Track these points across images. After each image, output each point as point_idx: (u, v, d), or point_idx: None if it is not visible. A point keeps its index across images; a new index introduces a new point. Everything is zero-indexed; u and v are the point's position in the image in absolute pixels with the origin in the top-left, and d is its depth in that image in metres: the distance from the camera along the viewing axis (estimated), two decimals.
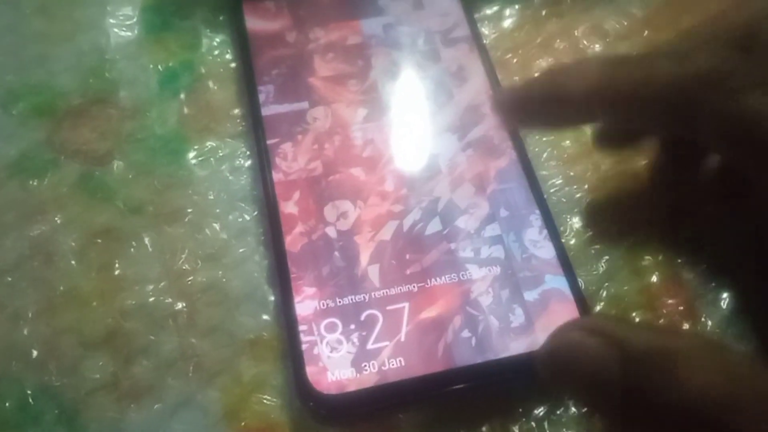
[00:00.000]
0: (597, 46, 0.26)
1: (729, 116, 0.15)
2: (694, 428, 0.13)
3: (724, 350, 0.14)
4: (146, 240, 0.22)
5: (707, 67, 0.16)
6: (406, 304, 0.19)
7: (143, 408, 0.19)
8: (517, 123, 0.21)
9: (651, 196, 0.21)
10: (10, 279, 0.21)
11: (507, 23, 0.26)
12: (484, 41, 0.24)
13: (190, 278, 0.21)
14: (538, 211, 0.20)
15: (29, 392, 0.19)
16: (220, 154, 0.23)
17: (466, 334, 0.18)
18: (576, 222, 0.22)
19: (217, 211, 0.22)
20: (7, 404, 0.19)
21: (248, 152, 0.23)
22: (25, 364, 0.20)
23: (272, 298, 0.21)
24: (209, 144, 0.23)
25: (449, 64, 0.23)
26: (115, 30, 0.26)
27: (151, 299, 0.20)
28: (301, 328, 0.18)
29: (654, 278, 0.21)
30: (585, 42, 0.26)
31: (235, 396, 0.19)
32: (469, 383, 0.18)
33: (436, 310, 0.19)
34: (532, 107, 0.19)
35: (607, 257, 0.21)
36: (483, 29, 0.25)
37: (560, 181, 0.23)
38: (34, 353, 0.20)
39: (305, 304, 0.19)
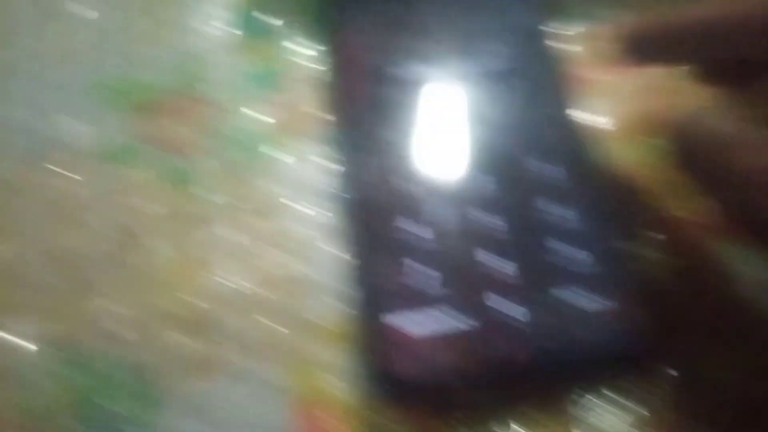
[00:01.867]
0: None
1: None
2: None
3: None
4: (232, 230, 0.22)
5: None
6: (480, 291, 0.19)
7: (220, 384, 0.20)
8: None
9: None
10: (104, 264, 0.22)
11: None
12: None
13: (272, 267, 0.22)
14: None
15: (116, 363, 0.20)
16: (304, 154, 0.24)
17: (544, 322, 0.18)
18: None
19: (301, 208, 0.23)
20: (95, 378, 0.20)
21: (333, 155, 0.24)
22: (110, 338, 0.21)
23: (348, 290, 0.21)
24: (297, 145, 0.24)
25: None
26: (214, 32, 0.27)
27: (235, 284, 0.21)
28: (378, 314, 0.19)
29: None
30: None
31: (305, 378, 0.20)
32: (543, 371, 0.18)
33: (514, 298, 0.19)
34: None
35: None
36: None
37: None
38: (121, 327, 0.21)
39: (381, 293, 0.19)
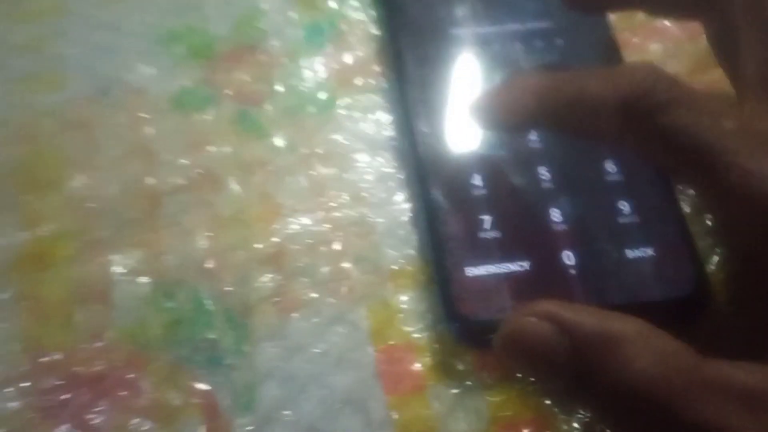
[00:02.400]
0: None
1: None
2: (635, 408, 0.15)
3: (664, 337, 0.16)
4: (300, 176, 0.24)
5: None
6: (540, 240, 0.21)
7: (302, 319, 0.22)
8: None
9: None
10: (181, 199, 0.24)
11: None
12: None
13: (339, 213, 0.24)
14: None
15: (205, 297, 0.22)
16: (364, 106, 0.26)
17: (596, 268, 0.21)
18: None
19: (362, 157, 0.25)
20: (185, 307, 0.22)
21: (388, 106, 0.26)
22: (200, 273, 0.22)
23: (415, 235, 0.23)
24: (353, 96, 0.26)
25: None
26: None
27: (309, 227, 0.23)
28: (450, 254, 0.21)
29: None
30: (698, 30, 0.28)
31: (381, 317, 0.22)
32: None
33: (570, 246, 0.21)
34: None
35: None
36: None
37: None
38: (208, 264, 0.22)
39: (454, 235, 0.21)
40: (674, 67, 0.26)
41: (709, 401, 0.15)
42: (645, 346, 0.15)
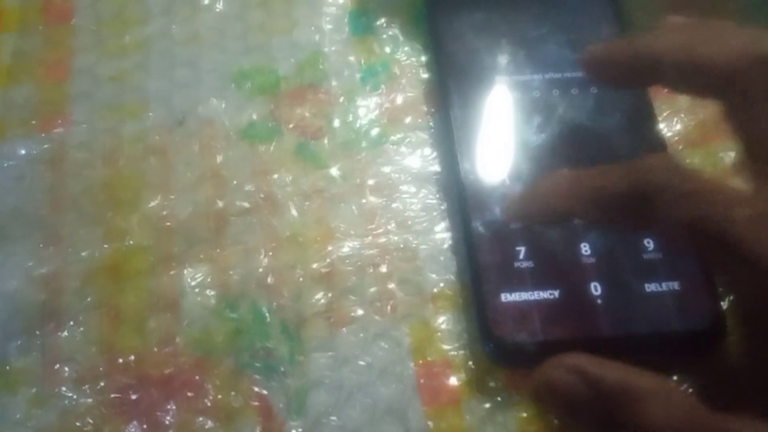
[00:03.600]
0: None
1: None
2: None
3: (683, 395, 0.17)
4: (353, 204, 0.27)
5: None
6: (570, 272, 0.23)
7: (350, 333, 0.24)
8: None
9: None
10: (246, 220, 0.26)
11: None
12: None
13: (386, 238, 0.26)
14: None
15: (264, 310, 0.25)
16: (412, 143, 0.28)
17: (620, 300, 0.23)
18: None
19: (409, 188, 0.27)
20: (246, 318, 0.25)
21: (433, 143, 0.28)
22: (261, 288, 0.25)
23: (455, 262, 0.25)
24: (403, 133, 0.28)
25: None
26: (327, 27, 0.31)
27: (358, 251, 0.26)
28: (486, 281, 0.23)
29: None
30: None
31: (421, 335, 0.24)
32: (645, 349, 0.22)
33: (610, 278, 0.23)
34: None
35: None
36: None
37: None
38: (268, 280, 0.25)
39: (491, 263, 0.23)
40: (702, 114, 0.28)
41: None
42: (664, 402, 0.16)
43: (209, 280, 0.25)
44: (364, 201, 0.27)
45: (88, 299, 0.25)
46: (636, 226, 0.21)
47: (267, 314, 0.24)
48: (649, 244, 0.24)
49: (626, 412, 0.16)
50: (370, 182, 0.27)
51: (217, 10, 0.31)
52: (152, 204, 0.27)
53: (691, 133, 0.28)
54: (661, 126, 0.28)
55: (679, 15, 0.23)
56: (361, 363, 0.24)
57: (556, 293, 0.23)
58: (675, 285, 0.23)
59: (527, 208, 0.22)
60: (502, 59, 0.29)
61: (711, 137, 0.28)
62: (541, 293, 0.23)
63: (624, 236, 0.24)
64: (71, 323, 0.24)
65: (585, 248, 0.24)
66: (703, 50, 0.20)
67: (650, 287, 0.23)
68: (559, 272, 0.24)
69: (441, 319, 0.24)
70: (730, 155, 0.27)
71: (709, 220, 0.18)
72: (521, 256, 0.24)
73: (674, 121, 0.28)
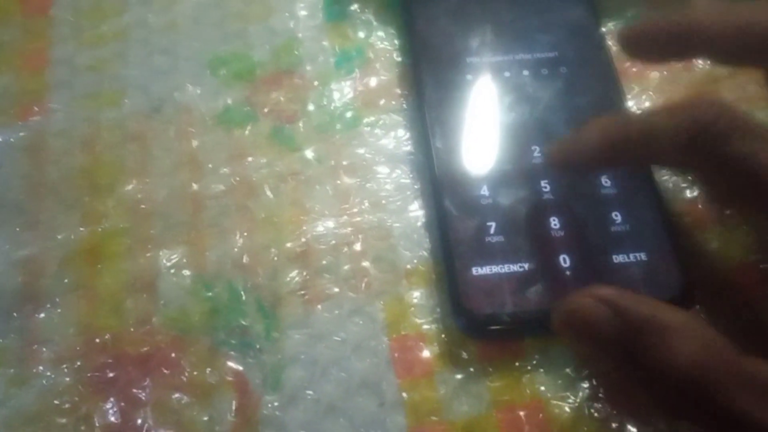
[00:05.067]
0: (702, 64, 0.30)
1: None
2: (679, 393, 0.16)
3: (710, 330, 0.17)
4: (327, 185, 0.27)
5: None
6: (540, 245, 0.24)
7: (325, 310, 0.25)
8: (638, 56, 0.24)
9: None
10: (221, 203, 0.27)
11: None
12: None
13: (361, 218, 0.26)
14: None
15: (240, 289, 0.25)
16: (386, 124, 0.29)
17: (589, 271, 0.23)
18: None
19: (383, 169, 0.28)
20: (222, 297, 0.25)
21: (407, 124, 0.29)
22: (236, 268, 0.25)
23: (428, 239, 0.26)
24: (377, 115, 0.29)
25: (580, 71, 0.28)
26: (302, 13, 0.32)
27: (333, 230, 0.26)
28: (458, 256, 0.24)
29: None
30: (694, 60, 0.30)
31: (396, 311, 0.25)
32: None
33: (579, 250, 0.24)
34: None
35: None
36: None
37: None
38: (244, 260, 0.25)
39: (462, 239, 0.24)
40: (672, 93, 0.29)
41: (744, 392, 0.16)
42: (691, 336, 0.16)
43: (185, 261, 0.25)
44: (338, 182, 0.27)
45: (66, 281, 0.25)
46: (682, 167, 0.21)
47: (242, 293, 0.25)
48: (616, 216, 0.24)
49: (653, 344, 0.16)
50: (345, 163, 0.28)
51: None
52: (129, 188, 0.27)
53: None
54: (630, 103, 0.28)
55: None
56: (336, 339, 0.24)
57: (526, 266, 0.24)
58: (642, 255, 0.24)
59: (571, 153, 0.22)
60: (474, 42, 0.29)
61: None
62: (512, 266, 0.24)
63: (592, 210, 0.25)
64: (49, 305, 0.25)
65: (554, 222, 0.24)
66: (747, 17, 0.20)
67: (618, 258, 0.24)
68: (529, 246, 0.24)
69: (414, 294, 0.25)
70: None
71: (757, 155, 0.18)
72: (492, 231, 0.24)
73: (643, 98, 0.29)
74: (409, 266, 0.25)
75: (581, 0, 0.30)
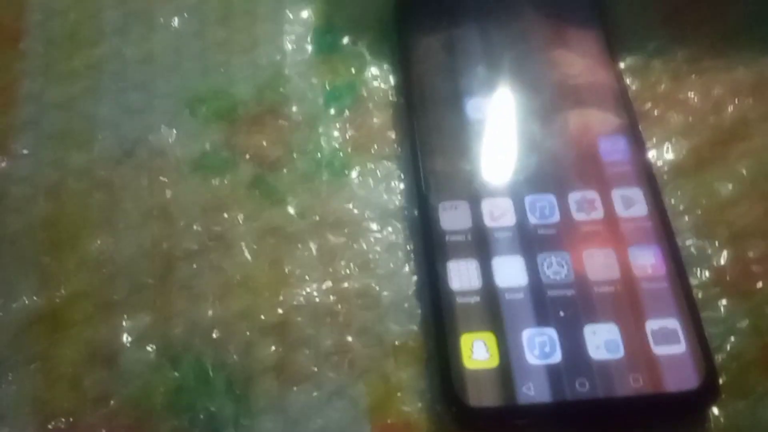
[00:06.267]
0: (731, 107, 0.27)
1: None
2: None
3: None
4: (311, 244, 0.24)
5: None
6: (554, 331, 0.21)
7: (303, 392, 0.22)
8: None
9: None
10: (194, 265, 0.24)
11: (648, 75, 0.27)
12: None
13: (346, 283, 0.24)
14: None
15: (208, 366, 0.22)
16: (377, 175, 0.26)
17: (611, 368, 0.20)
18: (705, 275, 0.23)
19: (372, 226, 0.25)
20: (188, 375, 0.22)
21: (402, 175, 0.26)
22: (206, 342, 0.23)
23: (419, 311, 0.23)
24: (367, 163, 0.26)
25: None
26: (289, 46, 0.29)
27: (314, 298, 0.23)
28: (451, 338, 0.21)
29: None
30: (722, 100, 0.27)
31: (381, 393, 0.22)
32: (603, 416, 0.20)
33: (580, 339, 0.21)
34: None
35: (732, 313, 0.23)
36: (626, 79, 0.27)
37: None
38: (214, 333, 0.23)
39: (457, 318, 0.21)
40: (694, 140, 0.26)
41: None
42: None
43: (150, 331, 0.23)
44: (322, 241, 0.24)
45: (21, 354, 0.23)
46: None
47: (211, 371, 0.22)
48: None
49: None
50: (330, 219, 0.25)
51: (174, 27, 0.29)
52: (93, 246, 0.24)
53: (683, 162, 0.25)
54: (650, 153, 0.25)
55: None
56: (314, 426, 0.21)
57: (532, 351, 0.21)
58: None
59: None
60: (478, 81, 0.26)
61: (705, 166, 0.25)
62: (514, 351, 0.21)
63: None
64: (1, 381, 0.22)
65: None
66: None
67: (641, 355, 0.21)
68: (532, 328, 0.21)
69: (402, 375, 0.22)
70: (727, 187, 0.25)
71: None
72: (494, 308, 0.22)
73: (665, 147, 0.26)
74: (397, 342, 0.23)
75: (595, 32, 0.26)
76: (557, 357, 0.21)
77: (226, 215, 0.25)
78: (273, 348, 0.23)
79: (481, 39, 0.27)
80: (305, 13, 0.29)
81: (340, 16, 0.29)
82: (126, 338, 0.23)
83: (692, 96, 0.27)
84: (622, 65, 0.27)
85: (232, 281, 0.24)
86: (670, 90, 0.27)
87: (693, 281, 0.23)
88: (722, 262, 0.24)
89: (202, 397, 0.22)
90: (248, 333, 0.23)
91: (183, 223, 0.25)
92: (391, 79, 0.28)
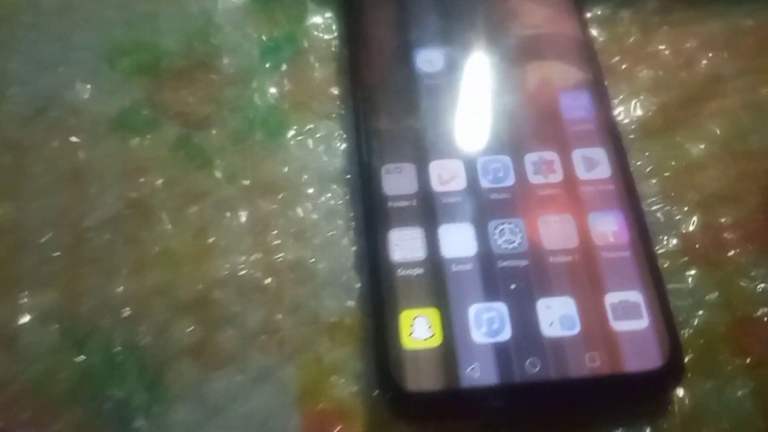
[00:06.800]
0: (704, 62, 0.25)
1: None
2: None
3: None
4: (240, 212, 0.22)
5: None
6: (504, 306, 0.19)
7: (225, 376, 0.20)
8: None
9: None
10: (107, 236, 0.21)
11: (616, 27, 0.25)
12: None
13: (279, 255, 0.21)
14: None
15: (118, 349, 0.20)
16: (317, 134, 0.23)
17: (565, 346, 0.18)
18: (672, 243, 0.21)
19: (310, 191, 0.22)
20: (95, 359, 0.20)
21: (344, 134, 0.23)
22: (115, 321, 0.20)
23: (358, 284, 0.21)
24: (306, 122, 0.23)
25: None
26: None
27: (242, 271, 0.21)
28: (390, 315, 0.18)
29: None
30: (694, 55, 0.25)
31: (313, 376, 0.20)
32: (558, 399, 0.18)
33: (533, 314, 0.18)
34: None
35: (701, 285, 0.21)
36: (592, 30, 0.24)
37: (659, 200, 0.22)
38: (125, 311, 0.20)
39: (397, 293, 0.19)
40: (664, 97, 0.23)
41: None
42: None
43: (54, 310, 0.20)
44: (253, 209, 0.22)
45: None
46: None
47: (121, 354, 0.19)
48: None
49: None
50: (263, 184, 0.22)
51: None
52: None
53: (651, 120, 0.23)
54: (617, 110, 0.23)
55: None
56: (234, 414, 0.19)
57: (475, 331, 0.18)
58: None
59: None
60: (431, 31, 0.23)
61: (675, 125, 0.23)
62: (456, 331, 0.18)
63: None
64: None
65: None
66: None
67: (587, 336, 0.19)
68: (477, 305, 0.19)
69: (338, 356, 0.20)
70: (699, 147, 0.22)
71: None
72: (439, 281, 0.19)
73: (633, 104, 0.23)
74: (333, 319, 0.20)
75: None
76: (506, 334, 0.18)
77: (144, 180, 0.22)
78: (191, 328, 0.20)
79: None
80: None
81: None
82: (26, 317, 0.20)
83: (663, 49, 0.24)
84: (588, 15, 0.25)
85: (149, 254, 0.21)
86: (639, 43, 0.25)
87: (659, 250, 0.21)
88: (691, 228, 0.21)
89: (110, 383, 0.19)
90: (164, 311, 0.20)
91: (96, 188, 0.22)
92: (335, 29, 0.25)
